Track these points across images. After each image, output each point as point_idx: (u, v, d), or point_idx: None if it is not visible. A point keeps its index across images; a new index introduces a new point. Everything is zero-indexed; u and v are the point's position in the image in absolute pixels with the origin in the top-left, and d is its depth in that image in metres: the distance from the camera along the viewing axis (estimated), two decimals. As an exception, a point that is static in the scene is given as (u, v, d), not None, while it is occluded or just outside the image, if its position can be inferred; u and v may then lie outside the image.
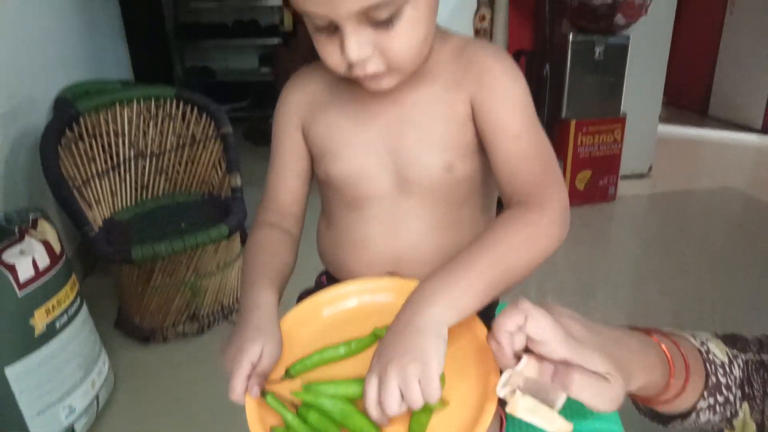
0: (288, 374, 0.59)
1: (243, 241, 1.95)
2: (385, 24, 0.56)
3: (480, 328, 0.59)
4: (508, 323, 0.47)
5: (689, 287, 1.86)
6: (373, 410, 0.51)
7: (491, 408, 0.52)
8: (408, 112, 0.66)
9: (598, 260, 2.08)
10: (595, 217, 2.44)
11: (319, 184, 0.74)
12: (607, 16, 2.18)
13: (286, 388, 0.58)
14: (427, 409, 0.53)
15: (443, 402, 0.54)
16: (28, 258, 1.14)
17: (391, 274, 0.70)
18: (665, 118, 3.90)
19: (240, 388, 0.55)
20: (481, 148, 0.66)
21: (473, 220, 0.71)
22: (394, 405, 0.49)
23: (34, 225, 1.22)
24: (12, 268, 1.11)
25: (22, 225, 1.20)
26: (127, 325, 1.74)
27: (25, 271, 1.13)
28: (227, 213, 1.75)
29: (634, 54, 2.39)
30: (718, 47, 3.83)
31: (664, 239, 2.21)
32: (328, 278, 0.79)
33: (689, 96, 4.11)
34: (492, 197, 0.74)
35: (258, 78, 4.03)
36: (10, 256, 1.12)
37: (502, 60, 0.65)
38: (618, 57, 2.32)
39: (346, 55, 0.57)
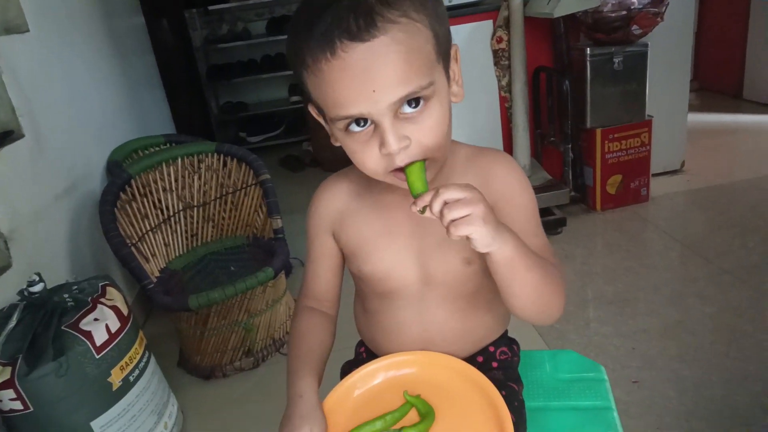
0: None
1: (288, 275, 2.08)
2: (415, 116, 0.62)
3: (497, 398, 0.69)
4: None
5: (729, 291, 1.87)
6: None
7: None
8: (429, 218, 0.72)
9: (635, 267, 2.11)
10: (629, 221, 2.46)
11: (353, 275, 0.84)
12: (622, 28, 2.21)
13: None
14: None
15: None
16: (102, 324, 1.28)
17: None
18: (697, 106, 3.85)
19: None
20: None
21: (487, 302, 0.80)
22: (435, 200, 0.60)
23: (104, 292, 1.37)
24: (89, 335, 1.25)
25: (93, 294, 1.34)
26: (188, 364, 1.88)
27: (100, 336, 1.27)
28: (271, 254, 1.88)
29: (656, 57, 2.41)
30: (747, 27, 3.75)
31: (701, 240, 2.22)
32: (367, 350, 0.89)
33: (722, 80, 4.03)
34: None
35: (288, 107, 4.19)
36: (87, 324, 1.27)
37: (514, 170, 0.75)
38: (638, 64, 2.34)
39: (387, 147, 0.62)
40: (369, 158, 0.65)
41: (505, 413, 0.65)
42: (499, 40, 2.44)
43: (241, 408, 1.70)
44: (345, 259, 0.83)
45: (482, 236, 0.61)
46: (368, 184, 0.78)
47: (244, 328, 1.80)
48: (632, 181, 2.55)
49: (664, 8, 2.20)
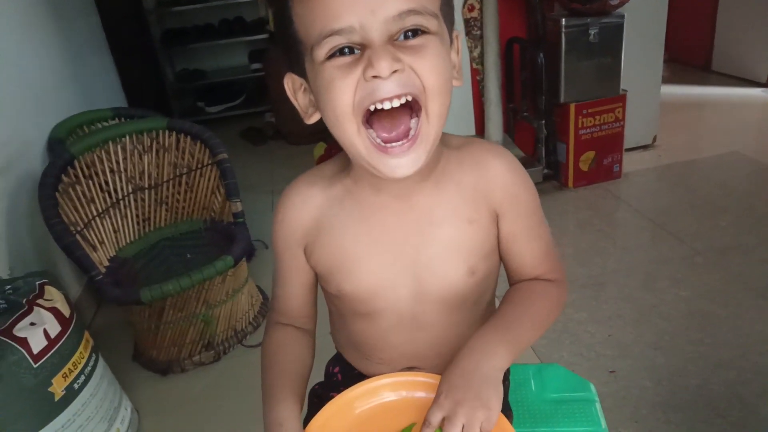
0: None
1: (249, 260, 1.96)
2: (415, 45, 0.54)
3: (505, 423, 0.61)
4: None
5: (702, 274, 1.84)
6: None
7: None
8: (428, 222, 0.64)
9: (608, 248, 2.07)
10: (602, 198, 2.42)
11: (326, 294, 0.73)
12: (599, -3, 2.12)
13: None
14: None
15: None
16: (39, 329, 1.16)
17: (410, 368, 0.71)
18: (668, 78, 3.81)
19: None
20: (496, 246, 0.68)
21: (485, 312, 0.72)
22: None
23: (41, 292, 1.23)
24: (24, 342, 1.13)
25: (29, 295, 1.21)
26: (144, 358, 1.77)
27: (38, 343, 1.14)
28: (231, 239, 1.75)
29: (631, 30, 2.32)
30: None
31: (673, 219, 2.18)
32: (342, 367, 0.79)
33: (692, 52, 4.01)
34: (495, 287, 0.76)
35: (249, 75, 3.98)
36: (22, 329, 1.14)
37: (515, 168, 0.67)
38: (614, 37, 2.26)
39: (376, 67, 0.51)
40: (345, 87, 0.53)
41: None
42: (471, 9, 2.31)
43: (201, 405, 1.60)
44: (319, 278, 0.71)
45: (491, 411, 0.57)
46: (346, 185, 0.66)
47: (203, 320, 1.69)
48: (605, 158, 2.50)
49: (643, -22, 2.11)
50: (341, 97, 0.54)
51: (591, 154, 2.47)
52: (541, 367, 0.85)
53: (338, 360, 0.80)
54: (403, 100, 0.54)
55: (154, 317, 1.64)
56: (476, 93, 2.48)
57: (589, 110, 2.37)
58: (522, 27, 2.37)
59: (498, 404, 0.56)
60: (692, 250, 1.97)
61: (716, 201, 2.27)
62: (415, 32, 0.54)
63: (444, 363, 0.61)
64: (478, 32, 2.34)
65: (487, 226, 0.66)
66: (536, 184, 2.34)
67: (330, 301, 0.74)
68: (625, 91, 2.41)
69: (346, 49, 0.54)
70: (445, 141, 0.66)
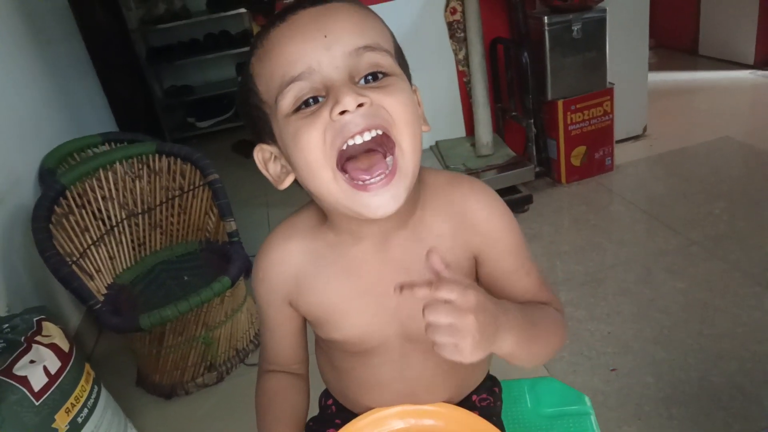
0: None
1: (247, 277, 1.97)
2: (378, 85, 0.54)
3: None
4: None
5: (698, 264, 1.85)
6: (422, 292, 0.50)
7: None
8: (405, 272, 0.62)
9: (603, 243, 2.07)
10: (595, 193, 2.42)
11: (317, 336, 0.72)
12: (579, -7, 2.12)
13: None
14: None
15: None
16: (39, 366, 1.16)
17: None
18: (655, 64, 3.81)
19: None
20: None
21: None
22: (430, 316, 0.50)
23: (39, 328, 1.24)
24: (25, 381, 1.13)
25: (27, 332, 1.21)
26: (147, 383, 1.77)
27: (38, 381, 1.15)
28: (227, 259, 1.76)
29: (614, 21, 2.33)
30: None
31: (668, 210, 2.19)
32: (336, 402, 0.79)
33: (678, 36, 4.00)
34: None
35: (237, 87, 3.97)
36: (21, 368, 1.14)
37: (495, 205, 0.65)
38: (597, 31, 2.26)
39: (341, 102, 0.51)
40: (313, 131, 0.53)
41: None
42: (453, 11, 2.32)
43: (206, 426, 1.60)
44: (307, 323, 0.72)
45: (472, 353, 0.51)
46: (324, 237, 0.65)
47: (204, 343, 1.69)
48: (596, 152, 2.50)
49: (622, -29, 2.12)
50: (311, 142, 0.53)
51: (582, 149, 2.47)
52: (536, 382, 0.85)
53: (330, 395, 0.80)
54: (373, 133, 0.53)
55: (155, 342, 1.64)
56: (464, 95, 2.48)
57: (577, 105, 2.37)
58: (505, 27, 2.38)
59: (477, 357, 0.51)
60: (687, 240, 1.97)
61: (709, 188, 2.28)
62: (375, 76, 0.55)
63: (438, 401, 0.63)
64: (462, 34, 2.34)
65: (467, 271, 0.65)
66: (529, 182, 2.34)
67: (321, 341, 0.73)
68: (612, 84, 2.41)
69: (311, 100, 0.54)
70: (422, 178, 0.65)
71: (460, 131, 2.56)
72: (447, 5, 2.30)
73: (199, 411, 1.67)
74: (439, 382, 0.69)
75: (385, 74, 0.55)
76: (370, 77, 0.54)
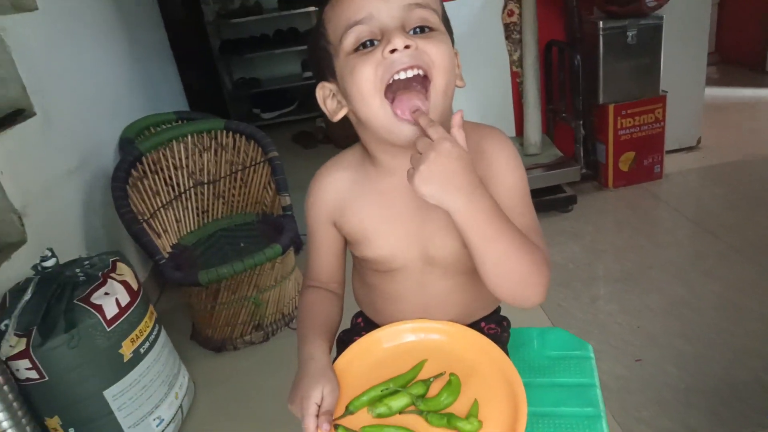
0: (348, 411, 0.72)
1: (297, 252, 2.11)
2: (424, 33, 0.67)
3: (509, 367, 0.72)
4: None
5: (736, 269, 1.86)
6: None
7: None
8: (430, 204, 0.71)
9: (643, 245, 2.10)
10: (641, 198, 2.44)
11: (353, 255, 0.86)
12: (636, 0, 2.16)
13: (350, 422, 0.70)
14: (471, 431, 0.66)
15: (480, 423, 0.66)
16: (112, 298, 1.33)
17: (421, 318, 0.82)
18: (717, 80, 3.76)
19: (312, 426, 0.67)
20: None
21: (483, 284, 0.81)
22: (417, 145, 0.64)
23: (114, 267, 1.41)
24: (100, 308, 1.30)
25: (104, 269, 1.39)
26: (200, 337, 1.93)
27: (111, 310, 1.31)
28: (280, 231, 1.90)
29: (672, 30, 2.35)
30: (772, -2, 3.64)
31: (712, 217, 2.19)
32: (364, 319, 0.91)
33: (744, 52, 3.92)
34: None
35: (301, 83, 4.18)
36: (97, 298, 1.31)
37: (505, 148, 0.76)
38: (652, 38, 2.29)
39: (392, 42, 0.63)
40: (368, 66, 0.65)
41: (522, 403, 0.67)
42: (511, 14, 2.40)
43: (250, 379, 1.74)
44: (347, 242, 0.84)
45: (421, 182, 0.63)
46: (365, 170, 0.79)
47: (254, 303, 1.84)
48: (645, 158, 2.52)
49: (680, -21, 2.15)
50: (364, 75, 0.66)
51: (631, 154, 2.49)
52: (544, 330, 0.94)
53: (361, 314, 0.93)
54: (416, 71, 0.66)
55: (210, 299, 1.80)
56: (516, 95, 2.55)
57: (628, 111, 2.40)
58: (560, 30, 2.44)
59: (424, 190, 0.64)
60: (728, 246, 1.98)
61: (757, 199, 2.26)
62: (423, 29, 0.68)
63: (450, 319, 0.74)
64: (518, 36, 2.42)
65: None
66: (574, 183, 2.40)
67: (357, 261, 0.86)
68: (666, 92, 2.43)
69: (368, 42, 0.67)
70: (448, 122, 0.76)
71: (510, 131, 2.63)
72: (504, 7, 2.38)
73: (245, 365, 1.81)
74: (450, 300, 0.80)
75: (431, 29, 0.68)
76: (418, 29, 0.68)
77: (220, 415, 1.63)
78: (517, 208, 0.75)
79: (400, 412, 0.70)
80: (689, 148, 2.79)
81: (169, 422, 1.49)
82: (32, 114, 1.60)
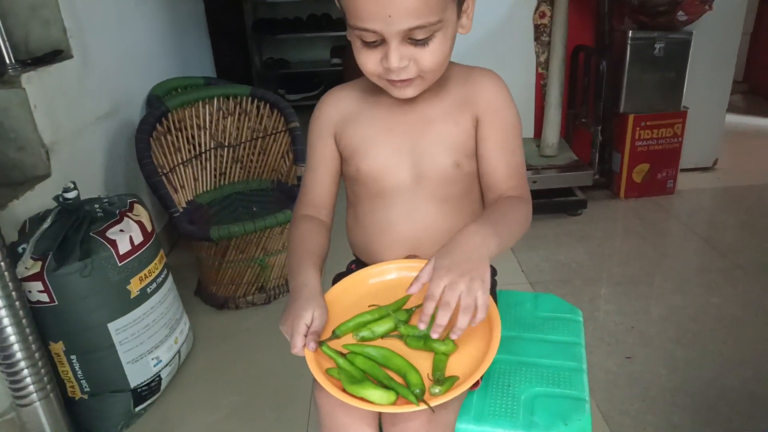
0: (335, 334, 0.76)
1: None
2: (421, 43, 0.74)
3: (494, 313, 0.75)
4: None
5: (739, 285, 1.87)
6: (430, 306, 0.67)
7: (493, 352, 0.68)
8: (425, 121, 0.84)
9: (649, 254, 2.12)
10: (651, 211, 2.46)
11: (347, 181, 0.91)
12: (667, 13, 2.18)
13: (335, 345, 0.75)
14: (446, 351, 0.71)
15: (455, 345, 0.72)
16: (127, 235, 1.38)
17: (411, 256, 0.86)
18: (743, 108, 3.76)
19: (300, 344, 0.72)
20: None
21: (471, 209, 0.87)
22: (452, 302, 0.65)
23: (131, 208, 1.46)
24: (114, 243, 1.35)
25: (121, 208, 1.44)
26: (204, 293, 1.98)
27: (124, 246, 1.36)
28: (293, 199, 1.94)
29: (699, 48, 2.37)
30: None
31: (721, 235, 2.20)
32: (357, 264, 0.95)
33: (773, 85, 3.92)
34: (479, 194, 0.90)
35: (328, 69, 4.23)
36: (113, 233, 1.36)
37: (501, 88, 0.84)
38: (680, 53, 2.31)
39: (389, 63, 0.74)
40: (371, 61, 0.76)
41: (496, 327, 0.71)
42: (542, 15, 2.43)
43: (248, 338, 1.79)
44: (343, 162, 0.90)
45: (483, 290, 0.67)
46: (370, 90, 0.86)
47: (260, 265, 1.89)
48: (660, 172, 2.53)
49: (713, -4, 2.16)
50: (367, 63, 0.77)
51: (645, 166, 2.51)
52: (538, 294, 0.97)
53: (355, 261, 0.98)
54: (410, 76, 0.77)
55: (219, 255, 1.85)
56: (539, 97, 2.58)
57: (648, 122, 2.42)
58: (589, 36, 2.46)
59: (489, 281, 0.67)
60: (733, 264, 1.99)
61: (768, 223, 2.27)
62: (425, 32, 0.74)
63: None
64: (547, 38, 2.45)
65: (470, 130, 0.84)
66: (587, 190, 2.42)
67: (350, 189, 0.92)
68: (687, 108, 2.44)
69: (372, 41, 0.75)
70: (451, 64, 0.84)
71: (529, 132, 2.65)
72: (537, 8, 2.42)
73: (245, 324, 1.86)
74: (440, 230, 0.85)
75: (432, 31, 0.73)
76: (421, 32, 0.73)
77: (215, 365, 1.67)
78: (511, 146, 0.82)
79: (382, 336, 0.74)
80: (705, 169, 2.80)
81: (166, 365, 1.53)
82: (70, 56, 1.66)
